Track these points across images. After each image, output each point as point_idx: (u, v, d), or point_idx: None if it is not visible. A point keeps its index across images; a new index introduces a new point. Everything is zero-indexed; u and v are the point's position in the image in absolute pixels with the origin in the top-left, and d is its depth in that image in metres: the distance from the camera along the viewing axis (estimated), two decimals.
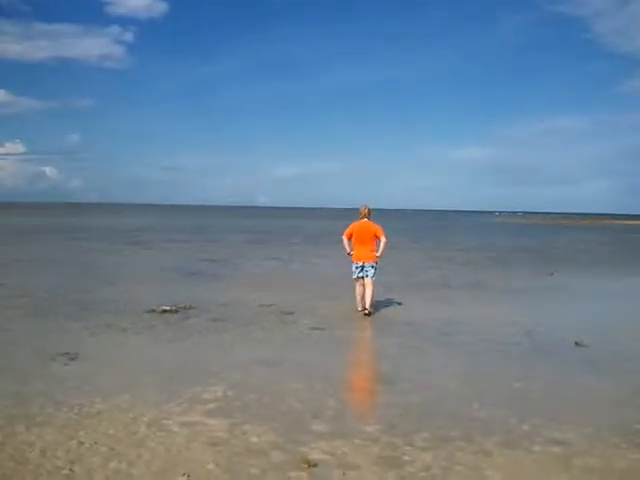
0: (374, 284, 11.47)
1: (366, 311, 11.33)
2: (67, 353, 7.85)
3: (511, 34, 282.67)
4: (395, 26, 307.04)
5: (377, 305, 12.25)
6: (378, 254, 11.50)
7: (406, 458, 4.79)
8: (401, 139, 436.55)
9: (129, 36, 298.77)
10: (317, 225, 60.81)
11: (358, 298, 11.57)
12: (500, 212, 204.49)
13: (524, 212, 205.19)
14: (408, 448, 4.98)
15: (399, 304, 12.81)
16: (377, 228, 11.54)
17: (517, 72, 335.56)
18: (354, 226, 11.65)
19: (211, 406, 5.93)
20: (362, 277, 11.47)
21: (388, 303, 12.88)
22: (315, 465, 4.59)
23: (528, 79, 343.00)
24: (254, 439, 5.10)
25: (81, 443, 4.95)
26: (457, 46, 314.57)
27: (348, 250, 11.68)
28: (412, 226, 69.26)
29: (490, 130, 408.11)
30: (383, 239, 11.45)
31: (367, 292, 11.38)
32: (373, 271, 11.43)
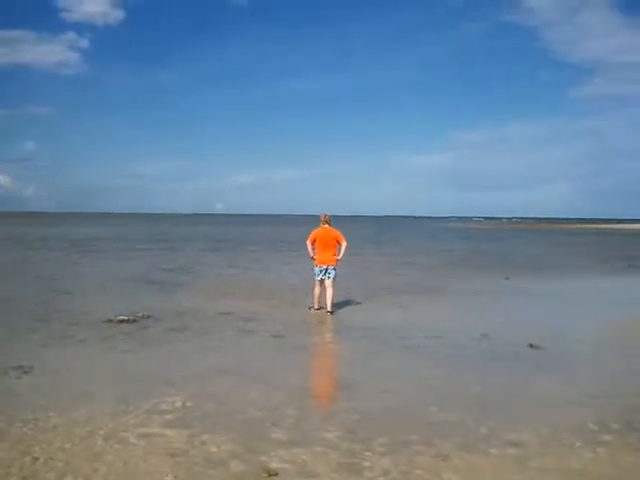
0: (334, 285, 12.36)
1: (328, 311, 12.14)
2: (21, 366, 7.65)
3: (468, 42, 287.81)
4: (356, 33, 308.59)
5: (337, 311, 12.31)
6: (339, 257, 12.39)
7: (366, 464, 4.81)
8: (362, 145, 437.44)
9: (85, 42, 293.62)
10: (277, 232, 60.71)
11: (316, 297, 12.45)
12: (457, 217, 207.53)
13: (481, 217, 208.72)
14: (368, 454, 5.00)
15: (359, 309, 12.89)
16: (338, 234, 12.49)
17: (474, 79, 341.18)
18: (317, 232, 12.54)
19: (169, 417, 5.86)
20: (323, 279, 12.34)
21: (348, 309, 12.94)
22: (275, 474, 4.57)
23: (484, 86, 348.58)
24: (213, 449, 5.07)
25: (36, 459, 4.84)
26: (416, 53, 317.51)
27: (312, 254, 12.54)
28: (373, 232, 69.70)
29: (448, 136, 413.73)
30: (344, 244, 12.40)
31: (329, 293, 12.23)
32: (334, 273, 12.36)
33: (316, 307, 12.44)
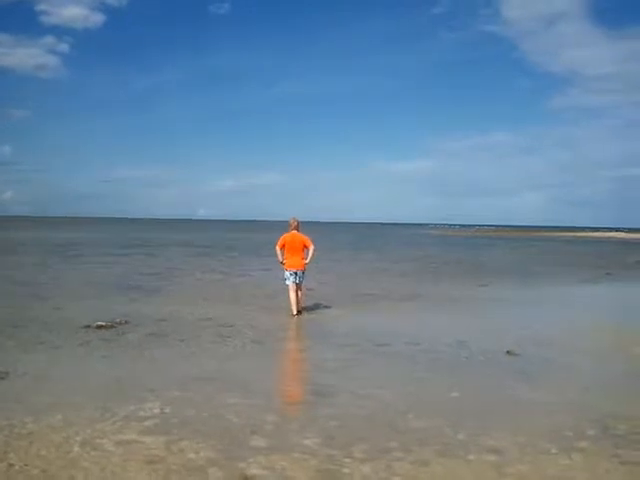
0: (303, 288, 13.25)
1: (301, 311, 12.90)
2: None
3: (448, 51, 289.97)
4: (338, 39, 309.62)
5: (316, 317, 12.35)
6: (307, 261, 12.93)
7: (345, 470, 4.81)
8: (343, 152, 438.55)
9: (64, 47, 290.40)
10: (257, 237, 60.61)
11: (293, 302, 12.75)
12: (436, 224, 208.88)
13: (460, 225, 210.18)
14: (347, 460, 5.01)
15: (338, 316, 12.90)
16: (306, 239, 12.96)
17: (453, 88, 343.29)
18: (285, 237, 12.95)
19: (147, 423, 5.81)
20: (296, 282, 12.76)
21: (327, 315, 12.95)
22: None
23: (464, 95, 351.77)
24: (192, 456, 5.04)
25: (11, 465, 4.78)
26: (397, 61, 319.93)
27: (281, 259, 12.99)
28: (352, 238, 69.93)
29: (428, 144, 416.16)
30: (312, 248, 12.90)
31: (300, 295, 12.90)
32: (303, 277, 12.97)
33: (294, 313, 12.73)
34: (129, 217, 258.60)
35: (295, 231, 12.98)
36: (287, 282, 12.83)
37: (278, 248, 12.99)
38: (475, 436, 5.63)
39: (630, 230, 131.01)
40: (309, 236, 13.17)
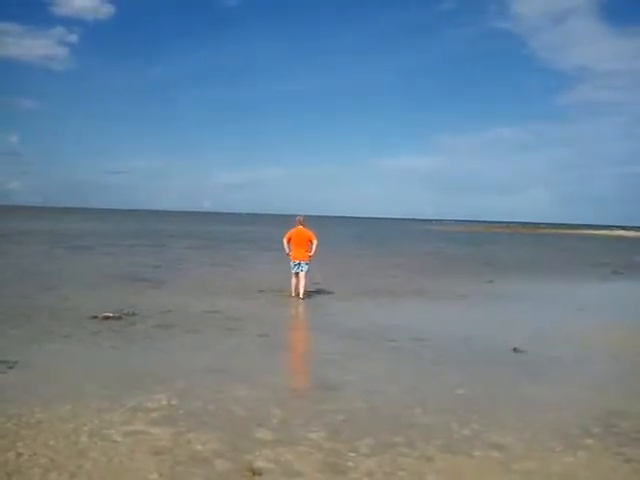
0: (307, 277, 14.49)
1: (301, 298, 14.16)
2: (5, 361, 7.60)
3: (454, 47, 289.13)
4: (343, 34, 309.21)
5: (323, 311, 12.38)
6: (311, 254, 14.42)
7: (350, 464, 4.84)
8: (349, 147, 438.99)
9: (74, 37, 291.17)
10: (264, 231, 60.63)
11: (293, 287, 14.47)
12: (440, 220, 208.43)
13: (465, 220, 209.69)
14: (352, 454, 5.04)
15: (344, 310, 12.93)
16: (310, 234, 14.58)
17: (460, 84, 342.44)
18: (292, 232, 14.66)
19: (155, 415, 5.86)
20: (298, 272, 14.31)
21: (334, 309, 12.99)
22: (260, 473, 4.60)
23: (471, 91, 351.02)
24: (198, 447, 5.08)
25: (19, 454, 4.83)
26: (403, 57, 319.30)
27: (287, 251, 14.65)
28: (357, 233, 69.91)
29: (433, 140, 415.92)
30: (315, 242, 14.47)
31: (301, 283, 14.29)
32: (307, 267, 14.40)
33: (293, 294, 14.38)
34: (135, 208, 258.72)
35: (301, 226, 14.63)
36: (292, 270, 14.51)
37: (285, 241, 14.71)
38: (480, 432, 5.66)
39: (637, 228, 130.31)
40: (313, 231, 14.66)
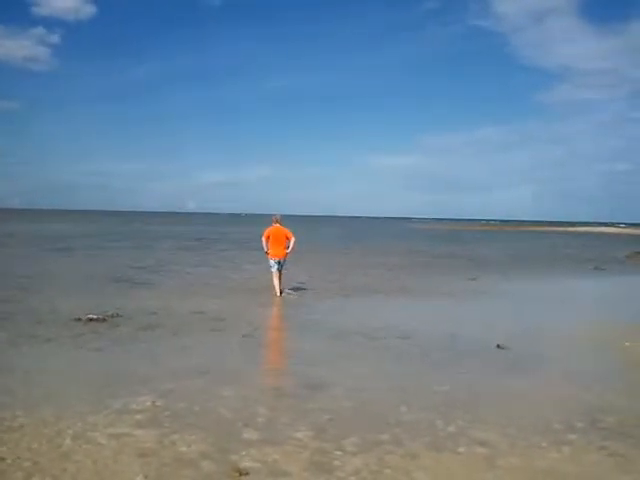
0: (284, 272, 15.08)
1: (283, 292, 14.77)
2: None
3: (438, 45, 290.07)
4: (327, 33, 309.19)
5: (307, 310, 12.38)
6: (288, 251, 14.87)
7: (336, 463, 4.85)
8: (332, 146, 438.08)
9: (55, 38, 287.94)
10: (247, 231, 60.47)
11: (276, 286, 14.76)
12: (423, 219, 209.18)
13: (448, 219, 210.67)
14: (338, 453, 5.04)
15: (329, 309, 12.94)
16: (287, 231, 14.97)
17: (444, 82, 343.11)
18: (270, 230, 14.96)
19: (139, 417, 5.82)
20: (279, 270, 14.75)
21: (319, 308, 12.98)
22: (246, 473, 4.58)
23: (454, 89, 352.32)
24: (184, 449, 5.05)
25: (2, 459, 4.78)
26: (387, 55, 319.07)
27: (266, 249, 14.94)
28: (341, 232, 70.00)
29: (417, 139, 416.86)
30: (293, 239, 14.85)
31: (281, 279, 14.84)
32: (285, 263, 14.94)
33: (278, 294, 14.66)
34: (119, 210, 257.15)
35: (278, 224, 14.93)
36: (272, 269, 14.82)
37: (264, 239, 15.00)
38: (465, 429, 5.69)
39: (623, 225, 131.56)
40: (291, 229, 15.12)
